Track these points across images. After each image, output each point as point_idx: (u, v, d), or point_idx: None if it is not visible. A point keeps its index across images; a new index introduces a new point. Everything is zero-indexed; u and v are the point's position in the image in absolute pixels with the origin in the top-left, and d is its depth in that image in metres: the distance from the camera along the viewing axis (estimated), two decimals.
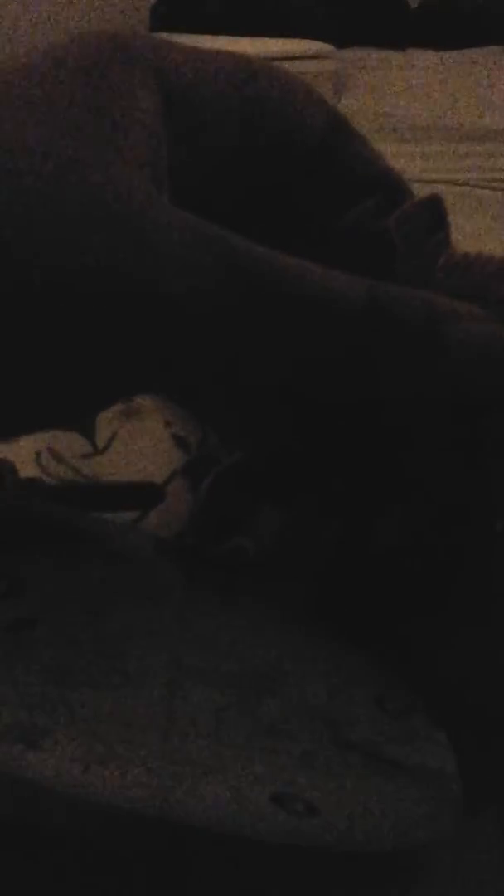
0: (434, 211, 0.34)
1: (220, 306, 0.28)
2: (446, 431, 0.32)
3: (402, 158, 0.38)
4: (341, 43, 1.01)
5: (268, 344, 0.29)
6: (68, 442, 0.46)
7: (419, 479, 0.33)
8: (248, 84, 0.33)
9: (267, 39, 1.07)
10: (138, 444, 0.45)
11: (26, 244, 0.28)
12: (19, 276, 0.28)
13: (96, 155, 0.28)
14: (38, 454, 0.45)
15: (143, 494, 0.40)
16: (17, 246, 0.28)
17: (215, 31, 1.10)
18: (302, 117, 0.35)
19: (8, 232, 0.28)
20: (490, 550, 0.34)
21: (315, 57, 0.97)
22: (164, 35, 0.35)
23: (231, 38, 1.04)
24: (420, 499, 0.34)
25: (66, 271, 0.27)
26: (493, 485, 0.34)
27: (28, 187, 0.28)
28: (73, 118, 0.29)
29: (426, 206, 0.34)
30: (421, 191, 0.36)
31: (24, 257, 0.28)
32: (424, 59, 1.05)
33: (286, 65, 0.37)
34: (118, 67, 0.30)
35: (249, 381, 0.30)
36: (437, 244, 0.34)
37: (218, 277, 0.28)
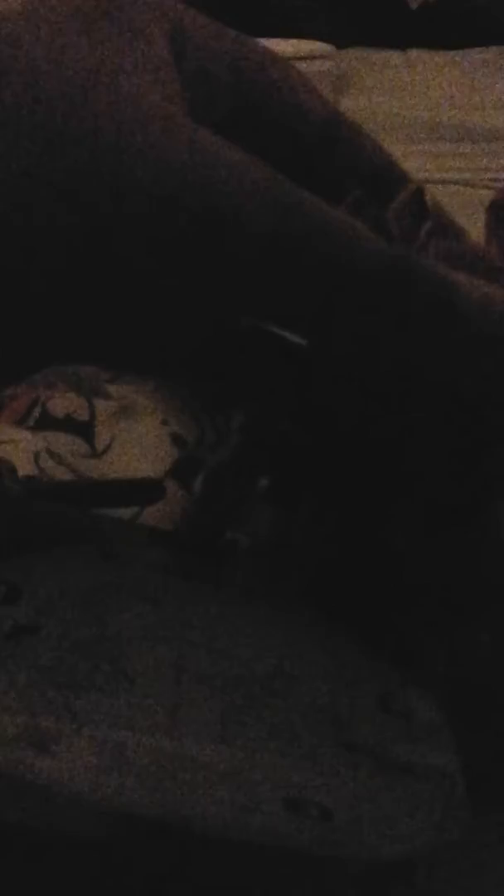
0: (419, 200, 0.35)
1: (265, 227, 0.29)
2: (450, 420, 0.32)
3: (403, 158, 0.38)
4: (342, 43, 1.01)
5: (301, 277, 0.29)
6: (67, 442, 0.46)
7: (422, 473, 0.33)
8: (245, 64, 0.33)
9: (267, 39, 1.06)
10: (136, 443, 0.45)
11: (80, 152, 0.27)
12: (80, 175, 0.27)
13: (126, 70, 0.28)
14: (36, 454, 0.45)
15: (143, 490, 0.40)
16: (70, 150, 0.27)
17: None
18: (302, 107, 0.35)
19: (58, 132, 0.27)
20: (494, 544, 0.34)
21: (315, 57, 0.97)
22: None
23: None
24: (423, 493, 0.34)
25: (126, 171, 0.27)
26: (497, 480, 0.34)
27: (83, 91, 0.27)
28: (104, 41, 0.29)
29: (413, 197, 0.35)
30: None
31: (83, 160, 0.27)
32: (425, 59, 1.05)
33: None
34: (133, 6, 0.30)
35: (282, 310, 0.30)
36: (428, 232, 0.34)
37: (266, 201, 0.29)
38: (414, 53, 1.05)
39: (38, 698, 0.28)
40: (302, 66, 0.39)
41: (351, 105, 0.92)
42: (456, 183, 0.83)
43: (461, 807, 0.30)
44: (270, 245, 0.29)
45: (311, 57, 0.99)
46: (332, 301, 0.30)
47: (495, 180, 0.83)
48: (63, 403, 0.49)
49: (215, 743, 0.28)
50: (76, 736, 0.27)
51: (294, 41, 1.07)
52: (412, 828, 0.29)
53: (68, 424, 0.48)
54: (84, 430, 0.47)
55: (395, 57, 1.05)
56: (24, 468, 0.42)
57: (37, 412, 0.48)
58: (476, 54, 1.04)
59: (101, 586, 0.32)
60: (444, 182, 0.81)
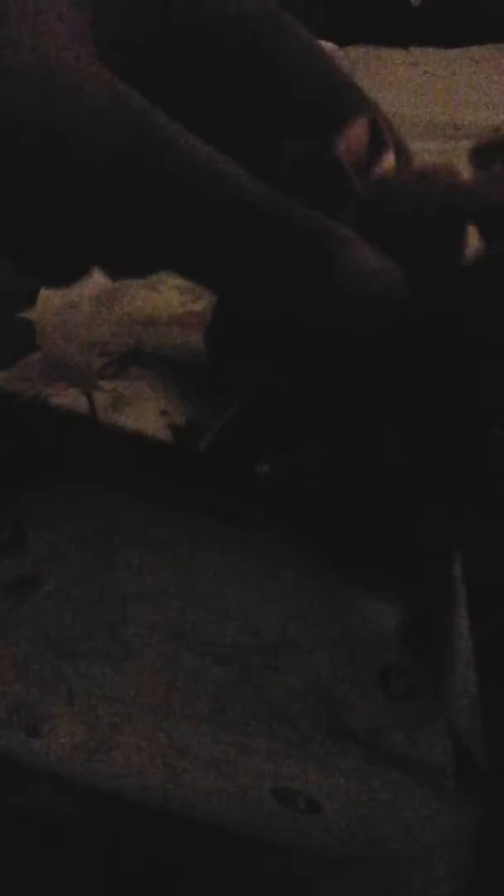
0: (374, 132, 0.34)
1: (128, 165, 0.29)
2: (396, 352, 0.32)
3: None
4: (343, 41, 1.01)
5: (166, 216, 0.29)
6: None
7: (405, 398, 0.33)
8: None
9: None
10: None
11: None
12: None
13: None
14: None
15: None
16: None
17: None
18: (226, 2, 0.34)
19: None
20: (490, 455, 0.33)
21: None
22: None
23: None
24: (411, 416, 0.34)
25: None
26: (483, 393, 0.33)
27: None
28: None
29: (368, 129, 0.34)
30: None
31: None
32: (427, 56, 1.05)
33: None
34: None
35: (161, 248, 0.30)
36: (386, 166, 0.34)
37: (131, 138, 0.29)
38: (416, 51, 1.05)
39: (33, 665, 0.28)
40: None
41: None
42: None
43: (452, 801, 0.30)
44: (121, 169, 0.29)
45: None
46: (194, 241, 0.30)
47: None
48: (64, 399, 0.49)
49: (207, 725, 0.28)
50: (69, 713, 0.27)
51: None
52: (401, 822, 0.28)
53: (69, 419, 0.48)
54: (85, 423, 0.47)
55: (396, 54, 1.05)
56: None
57: (38, 409, 0.48)
58: (478, 52, 1.04)
59: (106, 531, 0.32)
60: None
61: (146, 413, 0.46)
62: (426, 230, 0.33)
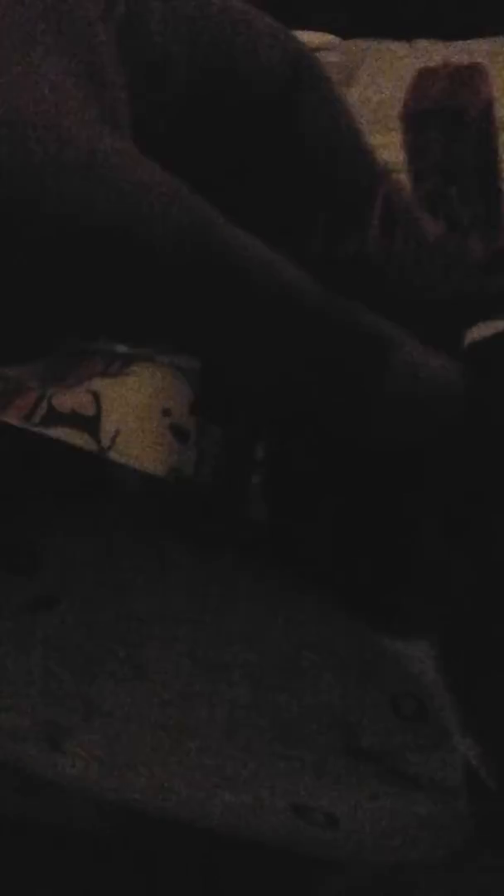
0: (388, 205, 0.34)
1: (183, 267, 0.28)
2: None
3: None
4: (348, 34, 1.01)
5: (217, 317, 0.29)
6: (71, 437, 0.46)
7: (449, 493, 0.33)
8: (201, 14, 0.32)
9: None
10: (138, 436, 0.45)
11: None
12: None
13: (62, 99, 0.27)
14: None
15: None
16: None
17: None
18: (257, 53, 0.33)
19: None
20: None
21: (321, 48, 0.96)
22: None
23: None
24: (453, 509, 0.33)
25: (37, 214, 0.26)
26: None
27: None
28: (36, 55, 0.27)
29: (383, 204, 0.34)
30: None
31: None
32: (431, 50, 1.04)
33: None
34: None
35: (199, 344, 0.29)
36: (404, 237, 0.33)
37: (193, 241, 0.28)
38: (420, 44, 1.05)
39: (49, 683, 0.28)
40: None
41: (357, 96, 0.91)
42: None
43: (463, 822, 0.29)
44: (176, 272, 0.28)
45: (317, 48, 0.99)
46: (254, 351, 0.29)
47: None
48: (69, 399, 0.49)
49: (223, 744, 0.28)
50: (88, 730, 0.27)
51: (300, 32, 1.07)
52: (412, 840, 0.28)
53: (74, 419, 0.48)
54: (90, 424, 0.47)
55: (401, 48, 1.05)
56: None
57: (43, 408, 0.48)
58: (482, 45, 1.04)
59: (122, 554, 0.32)
60: None
61: (149, 414, 0.46)
62: (430, 311, 0.32)
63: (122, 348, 0.50)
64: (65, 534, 0.31)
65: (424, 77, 0.54)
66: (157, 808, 0.27)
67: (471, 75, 0.55)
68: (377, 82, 0.98)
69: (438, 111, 0.49)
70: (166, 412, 0.45)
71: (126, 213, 0.27)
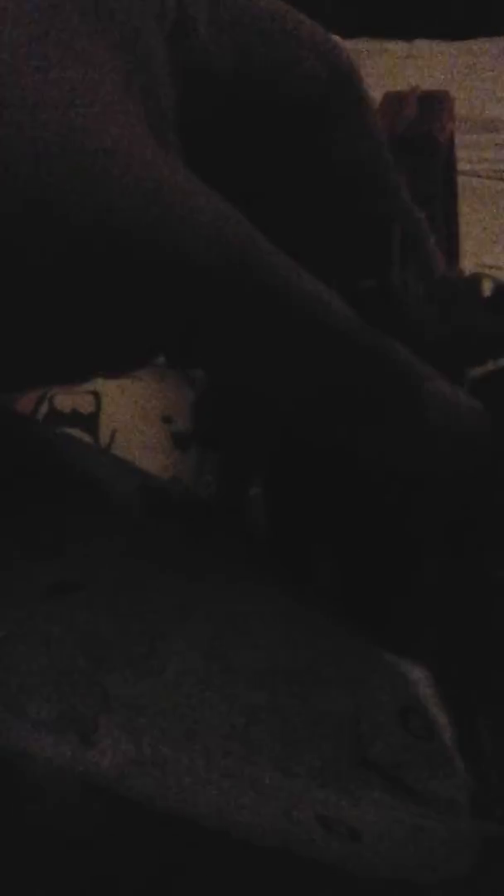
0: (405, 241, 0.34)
1: (233, 286, 0.28)
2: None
3: None
4: (347, 33, 1.01)
5: (255, 339, 0.29)
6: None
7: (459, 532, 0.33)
8: (242, 19, 0.32)
9: None
10: (137, 441, 0.45)
11: (51, 205, 0.26)
12: (47, 233, 0.26)
13: (116, 116, 0.27)
14: None
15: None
16: (40, 203, 0.26)
17: None
18: (299, 60, 0.33)
19: (33, 191, 0.26)
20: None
21: None
22: None
23: None
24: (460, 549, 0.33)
25: (94, 233, 0.26)
26: None
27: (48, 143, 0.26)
28: (84, 69, 0.27)
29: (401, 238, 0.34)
30: None
31: (50, 216, 0.26)
32: (430, 49, 1.04)
33: None
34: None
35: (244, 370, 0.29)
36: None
37: (241, 262, 0.28)
38: (419, 43, 1.05)
39: (67, 669, 0.28)
40: None
41: None
42: (460, 173, 0.83)
43: (467, 841, 0.29)
44: (219, 295, 0.28)
45: None
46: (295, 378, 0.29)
47: (500, 171, 0.83)
48: (69, 399, 0.49)
49: (239, 745, 0.28)
50: (111, 724, 0.27)
51: None
52: (422, 855, 0.28)
53: (74, 419, 0.48)
54: (88, 422, 0.47)
55: (400, 47, 1.05)
56: None
57: (44, 408, 0.48)
58: (482, 44, 1.04)
59: (140, 552, 0.32)
60: None
61: (149, 420, 0.46)
62: (441, 347, 0.33)
63: None
64: (84, 529, 0.31)
65: (392, 101, 0.55)
66: (183, 808, 0.27)
67: (439, 101, 0.56)
68: (376, 81, 0.98)
69: (411, 137, 0.49)
70: (167, 419, 0.45)
71: (179, 234, 0.27)
